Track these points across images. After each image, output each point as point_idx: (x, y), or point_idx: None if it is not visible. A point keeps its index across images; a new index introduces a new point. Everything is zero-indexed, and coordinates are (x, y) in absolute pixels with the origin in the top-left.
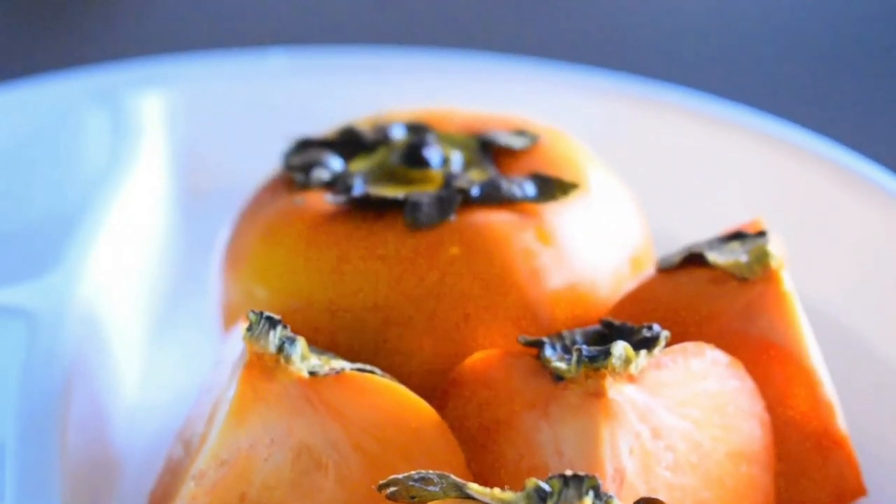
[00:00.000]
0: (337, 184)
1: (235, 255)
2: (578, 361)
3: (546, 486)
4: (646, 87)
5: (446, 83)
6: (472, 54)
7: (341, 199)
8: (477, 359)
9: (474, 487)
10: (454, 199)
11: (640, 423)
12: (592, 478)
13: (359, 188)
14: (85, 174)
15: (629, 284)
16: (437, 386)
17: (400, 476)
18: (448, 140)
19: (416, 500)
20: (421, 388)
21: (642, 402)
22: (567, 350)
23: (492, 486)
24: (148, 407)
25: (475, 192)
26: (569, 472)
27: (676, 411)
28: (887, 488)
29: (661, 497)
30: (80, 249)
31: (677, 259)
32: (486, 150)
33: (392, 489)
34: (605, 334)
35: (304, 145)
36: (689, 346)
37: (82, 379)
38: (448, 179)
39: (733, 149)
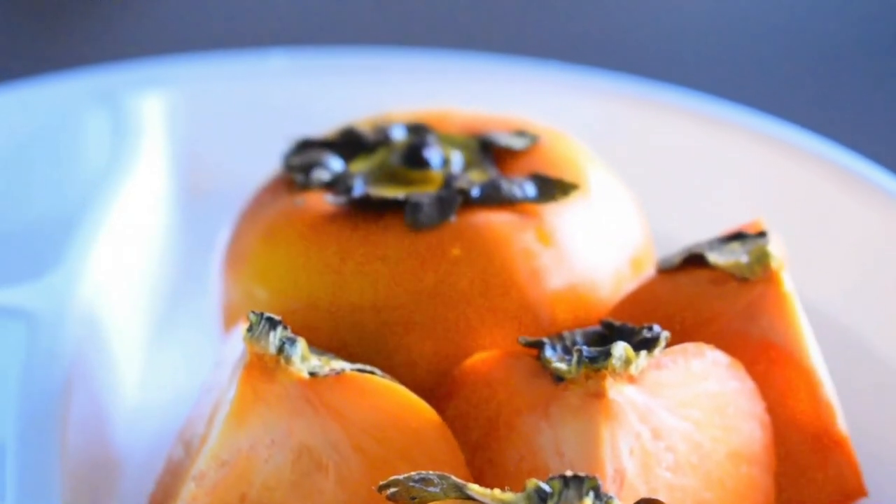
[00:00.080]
0: (337, 184)
1: (236, 256)
2: (579, 362)
3: (546, 487)
4: (646, 87)
5: (446, 84)
6: (472, 55)
7: (342, 199)
8: (477, 359)
9: (475, 488)
10: (454, 200)
11: (641, 423)
12: (593, 478)
13: (359, 189)
14: (85, 174)
15: (629, 285)
16: (437, 387)
17: (400, 477)
18: (448, 141)
19: (416, 500)
20: (421, 389)
21: (642, 402)
22: (567, 351)
23: (492, 487)
24: (148, 407)
25: (475, 192)
26: (569, 473)
27: (677, 412)
28: (888, 489)
29: (661, 498)
30: (80, 250)
31: (678, 260)
32: (487, 150)
33: (392, 490)
34: (606, 335)
35: (305, 146)
36: (690, 346)
37: (82, 379)
38: (448, 180)
39: (733, 149)
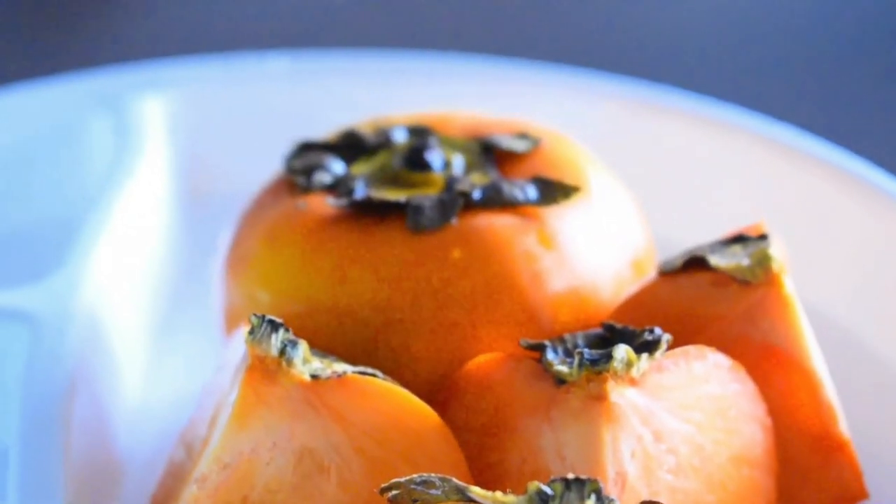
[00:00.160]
0: (338, 187)
1: (237, 259)
2: (580, 365)
3: (548, 490)
4: (647, 90)
5: (447, 86)
6: (473, 58)
7: (343, 202)
8: (479, 362)
9: (476, 491)
10: (456, 203)
11: (642, 426)
12: (594, 481)
13: (360, 191)
14: (87, 177)
15: (631, 288)
16: (439, 389)
17: (402, 479)
18: (450, 143)
19: (418, 503)
20: (423, 392)
21: (644, 405)
22: (569, 353)
23: (494, 490)
24: (150, 409)
25: (477, 195)
26: (571, 476)
27: (678, 415)
28: (888, 490)
29: (663, 500)
30: (82, 252)
31: (679, 262)
32: (488, 153)
33: (394, 492)
34: (607, 338)
35: (306, 148)
36: (691, 349)
37: (85, 382)
38: (450, 183)
39: (735, 152)
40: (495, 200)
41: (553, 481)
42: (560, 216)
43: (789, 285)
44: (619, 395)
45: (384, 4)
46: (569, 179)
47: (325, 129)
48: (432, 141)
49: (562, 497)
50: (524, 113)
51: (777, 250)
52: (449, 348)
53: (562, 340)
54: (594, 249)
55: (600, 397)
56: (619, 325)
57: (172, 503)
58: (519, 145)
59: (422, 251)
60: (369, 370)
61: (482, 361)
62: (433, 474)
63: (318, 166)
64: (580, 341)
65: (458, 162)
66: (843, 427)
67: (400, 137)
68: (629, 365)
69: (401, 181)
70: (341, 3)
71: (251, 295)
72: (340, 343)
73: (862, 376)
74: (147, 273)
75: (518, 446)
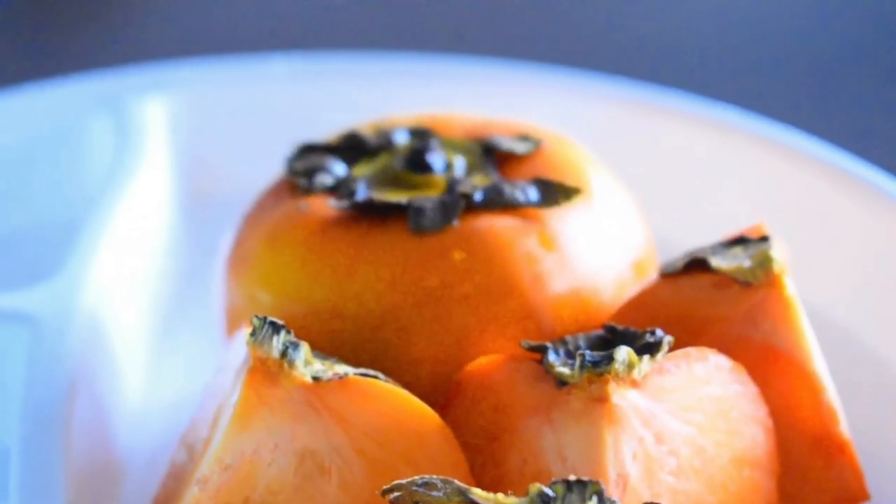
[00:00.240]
0: (340, 189)
1: (239, 260)
2: (581, 366)
3: (549, 492)
4: (648, 91)
5: (449, 88)
6: (474, 59)
7: (345, 204)
8: (480, 364)
9: (478, 492)
10: (457, 204)
11: (644, 427)
12: (596, 483)
13: (362, 193)
14: (89, 179)
15: (632, 289)
16: (440, 391)
17: (403, 481)
18: (451, 145)
19: None
20: (424, 393)
21: (645, 407)
22: (570, 355)
23: (495, 492)
24: (151, 411)
25: (478, 197)
26: (572, 478)
27: (680, 416)
28: (889, 491)
29: (664, 502)
30: (83, 254)
31: (680, 264)
32: (489, 155)
33: (395, 494)
34: (609, 339)
35: (308, 150)
36: (693, 350)
37: (86, 383)
38: (451, 184)
39: (736, 153)
40: (496, 202)
41: (554, 483)
42: (561, 218)
43: (790, 287)
44: (621, 396)
45: (385, 6)
46: (570, 181)
47: (327, 130)
48: (433, 143)
49: (563, 499)
50: (525, 114)
51: (778, 252)
52: (450, 350)
53: (563, 342)
54: (595, 251)
55: (602, 399)
56: (620, 327)
57: None
58: (520, 147)
59: (423, 253)
60: (371, 372)
61: (483, 363)
62: (434, 476)
63: (320, 168)
64: (581, 343)
65: (459, 163)
66: (844, 428)
67: (401, 139)
68: (630, 366)
69: (402, 183)
70: (342, 4)
71: (252, 296)
72: (342, 344)
73: (862, 376)
74: (148, 274)
75: (519, 448)
